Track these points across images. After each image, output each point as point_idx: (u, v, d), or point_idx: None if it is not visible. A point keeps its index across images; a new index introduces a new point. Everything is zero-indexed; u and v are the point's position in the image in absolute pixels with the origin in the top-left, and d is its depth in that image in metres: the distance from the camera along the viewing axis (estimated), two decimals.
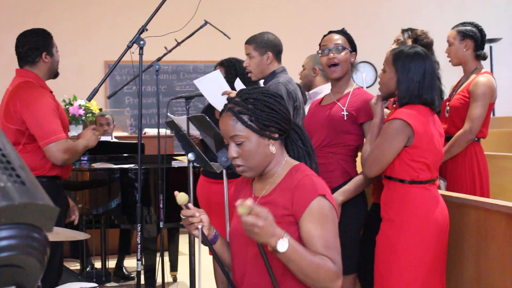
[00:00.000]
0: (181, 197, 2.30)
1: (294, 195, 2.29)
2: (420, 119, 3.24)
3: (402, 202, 3.26)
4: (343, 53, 3.67)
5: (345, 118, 3.60)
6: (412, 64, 3.30)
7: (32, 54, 4.03)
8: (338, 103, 3.67)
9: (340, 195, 3.50)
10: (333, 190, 3.49)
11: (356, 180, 3.55)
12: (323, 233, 2.23)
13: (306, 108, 4.92)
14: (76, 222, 4.34)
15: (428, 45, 4.16)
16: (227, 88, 4.02)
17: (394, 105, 3.72)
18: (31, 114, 3.83)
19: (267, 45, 4.24)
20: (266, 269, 2.26)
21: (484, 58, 4.44)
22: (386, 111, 4.05)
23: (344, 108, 3.62)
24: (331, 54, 3.68)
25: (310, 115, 3.86)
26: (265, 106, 2.35)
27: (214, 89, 4.06)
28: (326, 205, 2.28)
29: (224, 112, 2.39)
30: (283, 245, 2.11)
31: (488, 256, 3.23)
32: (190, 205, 2.36)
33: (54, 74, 4.17)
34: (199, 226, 2.35)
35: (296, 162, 2.43)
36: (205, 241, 2.40)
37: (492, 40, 10.31)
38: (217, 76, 4.09)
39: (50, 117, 3.84)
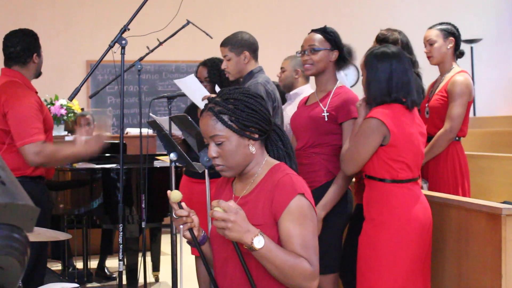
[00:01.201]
0: (175, 195, 2.30)
1: (274, 194, 2.29)
2: (396, 119, 3.26)
3: (383, 201, 3.27)
4: (318, 54, 3.68)
5: (326, 119, 3.61)
6: (379, 64, 3.34)
7: (25, 55, 4.03)
8: (320, 103, 3.68)
9: (321, 210, 3.50)
10: (317, 190, 3.49)
11: (333, 189, 3.55)
12: (301, 233, 2.24)
13: (288, 109, 4.94)
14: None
15: (396, 42, 4.17)
16: (204, 90, 4.02)
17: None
18: (13, 113, 3.81)
19: (242, 45, 4.22)
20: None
21: (462, 55, 4.50)
22: None
23: (325, 109, 3.63)
24: (305, 56, 3.71)
25: (296, 116, 3.86)
26: (245, 106, 2.35)
27: (193, 92, 4.07)
28: (305, 204, 2.28)
29: (205, 112, 2.39)
30: (259, 241, 2.14)
31: (469, 255, 3.25)
32: (184, 204, 2.35)
33: (38, 75, 4.18)
34: (181, 227, 2.35)
35: (276, 162, 2.43)
36: (195, 242, 2.39)
37: (472, 41, 10.39)
38: (193, 81, 4.10)
39: (31, 118, 3.80)
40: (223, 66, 4.27)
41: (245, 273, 2.27)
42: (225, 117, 2.32)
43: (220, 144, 2.34)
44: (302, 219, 2.26)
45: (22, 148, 3.77)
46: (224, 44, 4.24)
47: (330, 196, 3.54)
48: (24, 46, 4.03)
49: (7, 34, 4.09)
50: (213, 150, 2.35)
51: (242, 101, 2.35)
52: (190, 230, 2.36)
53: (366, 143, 3.28)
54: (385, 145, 3.26)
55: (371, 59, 3.38)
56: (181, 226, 2.34)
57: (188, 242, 2.46)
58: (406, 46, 4.14)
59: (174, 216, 2.33)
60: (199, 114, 4.58)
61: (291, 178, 2.32)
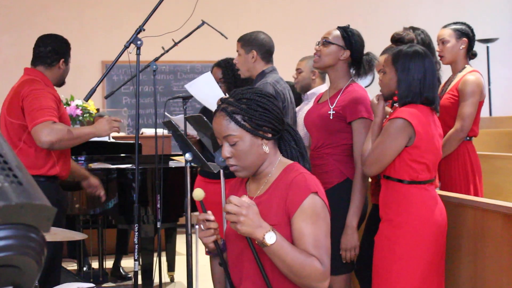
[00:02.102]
0: (198, 193, 2.31)
1: (287, 193, 2.30)
2: (422, 119, 3.23)
3: (402, 202, 3.25)
4: (328, 47, 3.66)
5: (331, 117, 3.59)
6: (411, 63, 3.29)
7: (52, 57, 4.09)
8: (329, 101, 3.67)
9: (354, 218, 3.48)
10: (329, 191, 3.43)
11: (356, 196, 3.50)
12: (313, 231, 2.25)
13: (305, 109, 4.93)
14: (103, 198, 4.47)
15: (412, 42, 4.13)
16: (218, 90, 4.02)
17: (393, 106, 3.71)
18: (29, 101, 3.83)
19: (252, 44, 4.24)
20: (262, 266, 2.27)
21: (475, 56, 4.48)
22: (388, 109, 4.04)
23: (332, 107, 3.61)
24: (316, 47, 3.71)
25: (307, 114, 3.85)
26: (258, 106, 2.35)
27: (207, 92, 4.06)
28: (319, 203, 2.29)
29: (218, 112, 2.39)
30: (271, 237, 2.15)
31: (485, 256, 3.23)
32: (211, 213, 2.35)
33: (61, 83, 4.23)
34: (196, 227, 2.35)
35: (290, 162, 2.43)
36: (219, 254, 2.40)
37: (488, 40, 10.32)
38: (208, 79, 4.09)
39: (45, 105, 3.81)
40: (234, 61, 4.35)
41: (259, 271, 2.28)
42: (238, 117, 2.33)
43: (233, 144, 2.34)
44: (315, 218, 2.27)
45: (33, 129, 3.75)
46: (239, 39, 4.32)
47: (356, 203, 3.49)
48: (53, 48, 4.10)
49: (41, 35, 4.15)
50: (226, 150, 2.36)
51: (254, 101, 2.35)
52: (215, 241, 2.36)
53: (392, 144, 3.24)
54: (409, 146, 3.23)
55: (403, 58, 3.32)
56: (196, 226, 2.35)
57: (208, 252, 2.47)
58: (428, 47, 4.10)
59: (202, 228, 2.34)
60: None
61: (305, 177, 2.32)
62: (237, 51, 4.31)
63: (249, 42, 4.25)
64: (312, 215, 2.27)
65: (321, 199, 2.30)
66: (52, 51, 4.08)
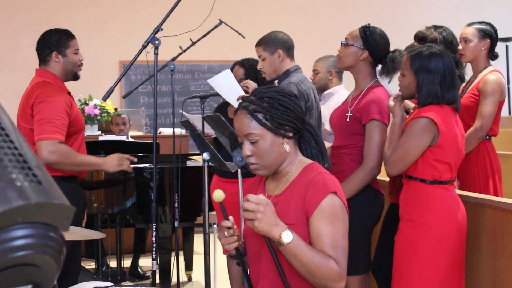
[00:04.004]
0: (218, 194, 2.32)
1: (306, 193, 2.30)
2: (445, 119, 3.21)
3: (423, 202, 3.23)
4: (348, 49, 3.65)
5: (348, 120, 3.58)
6: (430, 65, 3.27)
7: (43, 53, 4.02)
8: (349, 103, 3.66)
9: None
10: None
11: (354, 178, 3.48)
12: (331, 231, 2.25)
13: (321, 109, 4.93)
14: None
15: (435, 41, 4.10)
16: (237, 86, 4.02)
17: (412, 109, 3.68)
18: (39, 111, 3.81)
19: (276, 43, 4.22)
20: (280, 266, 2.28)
21: (496, 57, 4.45)
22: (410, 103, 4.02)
23: (350, 109, 3.60)
24: (339, 48, 3.70)
25: (332, 114, 3.85)
26: (280, 105, 2.35)
27: (227, 87, 4.07)
28: (337, 203, 2.29)
29: (239, 110, 2.40)
30: (287, 236, 2.16)
31: (504, 256, 3.21)
32: (232, 220, 2.36)
33: (73, 76, 4.12)
34: (215, 226, 2.35)
35: (310, 161, 2.43)
36: (240, 259, 2.41)
37: (508, 39, 10.23)
38: (228, 76, 4.09)
39: (54, 117, 3.78)
40: (258, 66, 4.29)
41: (277, 270, 2.28)
42: (260, 116, 2.33)
43: (254, 142, 2.35)
44: (332, 218, 2.27)
45: (38, 142, 3.74)
46: (258, 44, 4.26)
47: (351, 183, 3.46)
48: (42, 45, 4.03)
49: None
50: (247, 148, 2.36)
51: (276, 100, 2.36)
52: (237, 248, 2.38)
53: (417, 143, 3.22)
54: (432, 146, 3.21)
55: (421, 60, 3.30)
56: (215, 226, 2.36)
57: (231, 256, 2.47)
58: (450, 44, 4.07)
59: (226, 234, 2.34)
60: (229, 112, 4.59)
61: (324, 177, 2.32)
62: (259, 56, 4.27)
63: (271, 42, 4.22)
64: (330, 215, 2.26)
65: (340, 199, 2.30)
66: (42, 47, 4.02)
